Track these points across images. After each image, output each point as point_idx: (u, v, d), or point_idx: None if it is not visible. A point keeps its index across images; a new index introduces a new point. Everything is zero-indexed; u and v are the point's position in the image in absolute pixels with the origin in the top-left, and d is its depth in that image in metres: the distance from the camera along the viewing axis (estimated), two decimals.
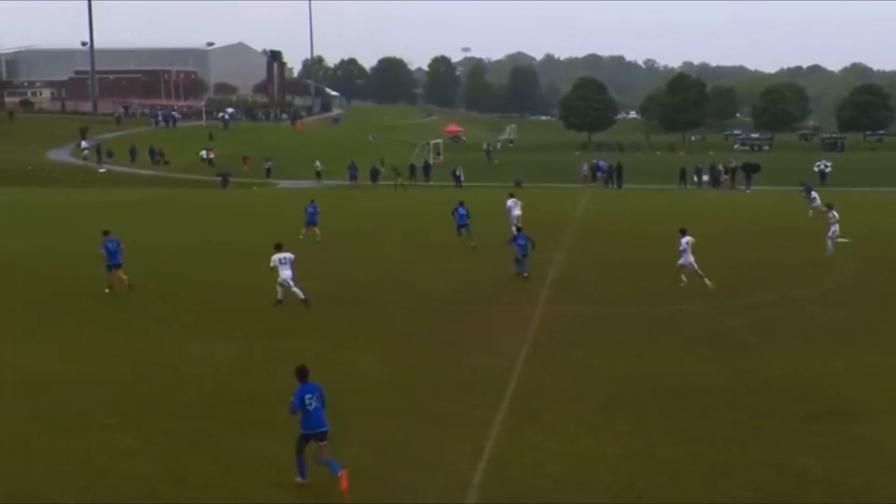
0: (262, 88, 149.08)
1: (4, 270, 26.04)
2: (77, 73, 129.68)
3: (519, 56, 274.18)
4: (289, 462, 10.92)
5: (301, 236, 30.76)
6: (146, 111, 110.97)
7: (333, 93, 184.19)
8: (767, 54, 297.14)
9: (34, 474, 11.28)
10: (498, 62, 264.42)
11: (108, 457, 11.80)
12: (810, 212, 37.64)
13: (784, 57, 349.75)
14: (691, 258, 22.59)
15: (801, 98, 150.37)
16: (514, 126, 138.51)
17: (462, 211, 30.32)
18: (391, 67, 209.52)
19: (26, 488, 10.91)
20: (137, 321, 19.50)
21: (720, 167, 61.74)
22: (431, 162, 69.22)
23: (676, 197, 52.27)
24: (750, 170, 58.97)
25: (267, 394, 13.82)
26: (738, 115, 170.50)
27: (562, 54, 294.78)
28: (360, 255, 28.83)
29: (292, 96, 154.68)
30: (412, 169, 63.41)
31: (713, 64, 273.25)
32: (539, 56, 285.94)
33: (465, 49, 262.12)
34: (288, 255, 20.68)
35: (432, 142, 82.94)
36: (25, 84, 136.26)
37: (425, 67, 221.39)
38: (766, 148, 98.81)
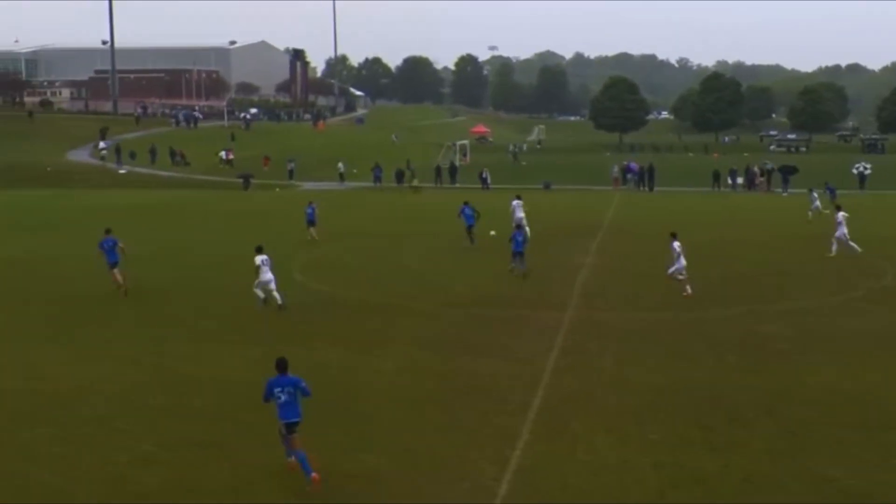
0: (284, 88, 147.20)
1: (24, 273, 26.17)
2: (97, 72, 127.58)
3: (548, 55, 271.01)
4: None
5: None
6: (166, 111, 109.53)
7: (358, 92, 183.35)
8: (805, 53, 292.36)
9: (51, 481, 11.17)
10: (526, 61, 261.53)
11: (126, 464, 11.70)
12: (809, 213, 37.74)
13: (822, 55, 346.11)
14: (684, 262, 22.37)
15: (840, 98, 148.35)
16: (542, 127, 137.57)
17: (468, 211, 30.50)
18: (417, 67, 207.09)
19: (44, 495, 10.82)
20: (157, 326, 19.40)
21: (755, 169, 60.69)
22: (458, 163, 68.94)
23: (710, 200, 51.50)
24: (787, 172, 57.60)
25: None
26: (774, 115, 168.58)
27: (592, 53, 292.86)
28: (381, 259, 28.75)
29: (315, 96, 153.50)
30: (438, 171, 63.11)
31: (748, 63, 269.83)
32: (568, 55, 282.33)
33: (493, 48, 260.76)
34: (266, 257, 20.86)
35: (458, 143, 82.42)
36: (45, 84, 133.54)
37: (452, 66, 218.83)
38: (804, 149, 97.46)
